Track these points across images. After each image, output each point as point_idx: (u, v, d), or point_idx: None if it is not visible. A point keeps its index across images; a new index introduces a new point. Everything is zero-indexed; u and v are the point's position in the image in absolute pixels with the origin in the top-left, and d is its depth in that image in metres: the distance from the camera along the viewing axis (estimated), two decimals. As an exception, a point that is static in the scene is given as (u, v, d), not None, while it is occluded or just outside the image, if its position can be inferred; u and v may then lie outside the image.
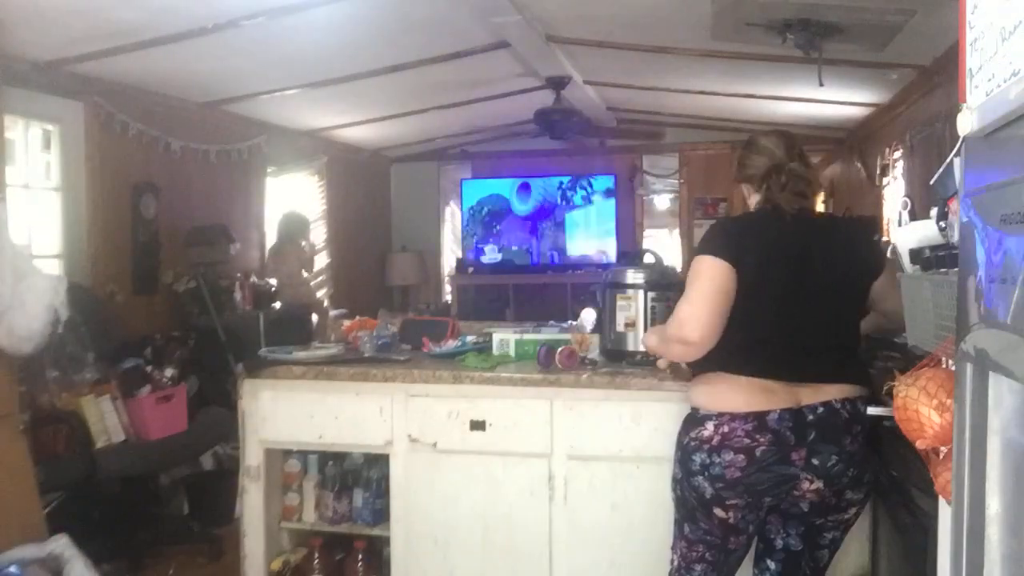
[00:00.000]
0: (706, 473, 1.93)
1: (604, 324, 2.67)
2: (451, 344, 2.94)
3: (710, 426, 1.93)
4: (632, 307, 2.58)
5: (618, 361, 2.62)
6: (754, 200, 2.11)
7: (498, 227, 7.71)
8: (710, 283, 1.92)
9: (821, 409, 1.90)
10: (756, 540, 2.12)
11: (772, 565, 2.11)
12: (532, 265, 7.60)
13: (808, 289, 1.96)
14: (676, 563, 2.09)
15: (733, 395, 1.93)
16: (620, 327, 2.61)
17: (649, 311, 2.55)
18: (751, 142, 2.12)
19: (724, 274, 1.91)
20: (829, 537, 2.05)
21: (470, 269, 7.67)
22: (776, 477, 1.90)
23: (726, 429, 1.91)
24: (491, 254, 7.71)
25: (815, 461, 1.89)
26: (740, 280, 1.91)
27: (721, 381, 1.96)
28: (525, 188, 7.68)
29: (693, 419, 2.00)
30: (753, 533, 2.05)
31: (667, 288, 2.56)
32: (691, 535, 2.04)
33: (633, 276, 2.61)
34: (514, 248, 7.69)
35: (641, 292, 2.57)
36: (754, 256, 1.94)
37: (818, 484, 1.91)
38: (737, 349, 1.94)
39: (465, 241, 7.82)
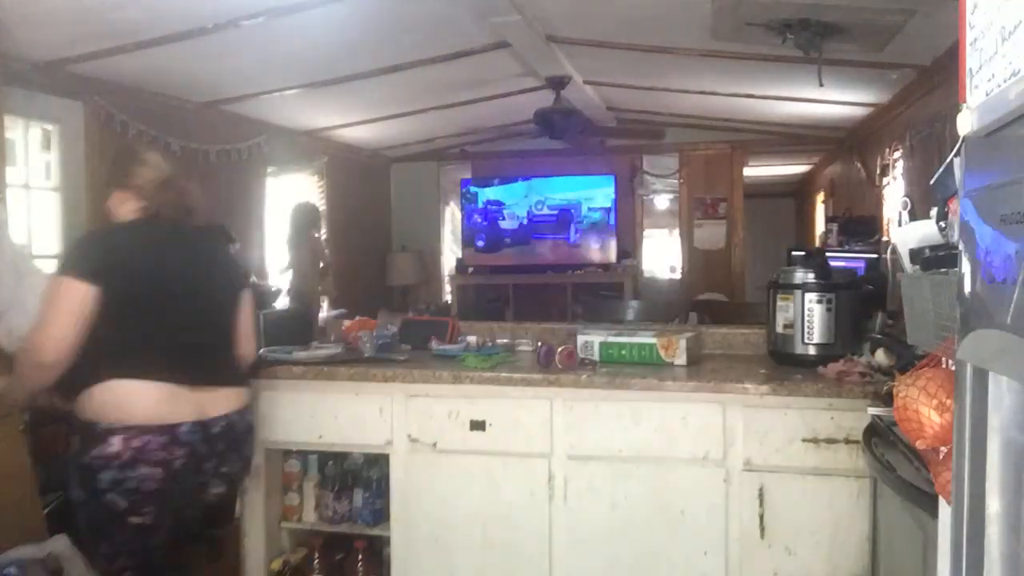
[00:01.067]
0: (118, 489, 1.95)
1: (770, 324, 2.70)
2: (453, 347, 2.95)
3: (117, 442, 1.94)
4: (791, 308, 2.58)
5: (785, 364, 2.62)
6: (130, 208, 2.17)
7: (500, 224, 7.71)
8: (65, 305, 1.96)
9: (225, 422, 2.09)
10: None
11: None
12: (532, 265, 7.59)
13: (190, 297, 2.13)
14: None
15: (140, 404, 1.97)
16: (779, 328, 2.62)
17: (806, 312, 2.57)
18: (133, 153, 2.32)
19: (81, 295, 1.96)
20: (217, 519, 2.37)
21: (470, 269, 7.67)
22: (191, 487, 2.06)
23: (138, 444, 1.94)
24: (490, 253, 7.71)
25: (224, 469, 2.12)
26: (115, 292, 1.98)
27: (121, 388, 1.98)
28: (525, 188, 7.67)
29: (93, 435, 1.97)
30: (171, 526, 2.13)
31: (828, 290, 2.56)
32: (109, 550, 2.07)
33: (797, 277, 2.63)
34: (514, 248, 7.69)
35: (800, 293, 2.58)
36: (128, 267, 2.05)
37: (221, 489, 2.17)
38: (132, 352, 2.01)
39: (465, 245, 7.82)
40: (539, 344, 2.77)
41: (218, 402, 2.10)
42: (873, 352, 2.47)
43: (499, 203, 7.70)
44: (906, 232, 2.05)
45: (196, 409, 2.04)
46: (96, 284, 1.97)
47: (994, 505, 1.03)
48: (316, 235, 5.74)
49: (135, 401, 1.98)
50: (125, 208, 2.18)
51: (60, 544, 2.76)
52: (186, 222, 2.21)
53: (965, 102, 1.12)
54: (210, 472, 2.09)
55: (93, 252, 2.10)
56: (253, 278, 5.35)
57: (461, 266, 7.72)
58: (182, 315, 2.11)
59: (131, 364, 2.00)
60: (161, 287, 2.09)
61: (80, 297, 1.96)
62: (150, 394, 1.99)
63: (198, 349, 2.12)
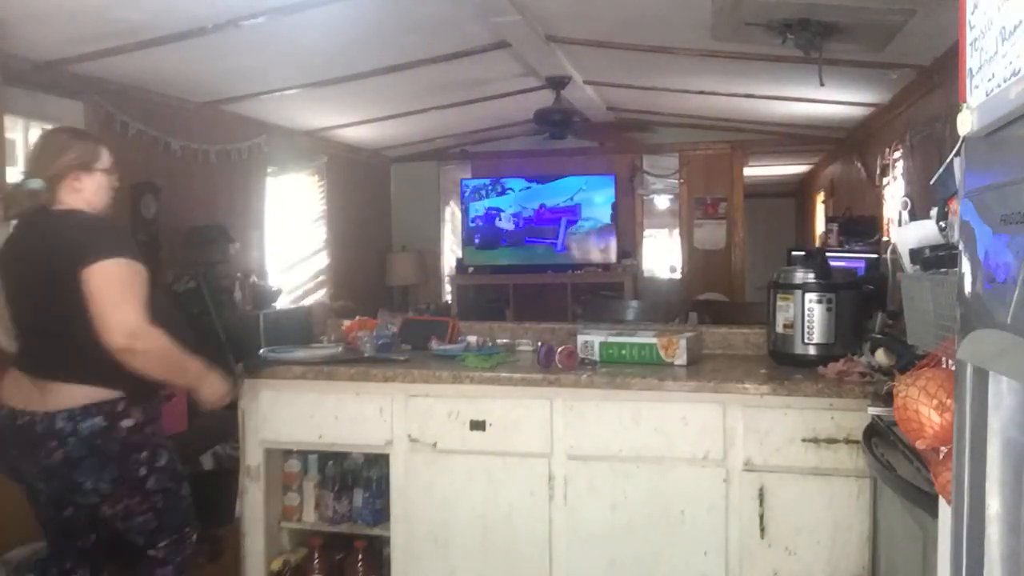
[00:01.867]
0: None
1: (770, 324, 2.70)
2: (453, 346, 2.95)
3: None
4: (791, 308, 2.58)
5: (786, 364, 2.62)
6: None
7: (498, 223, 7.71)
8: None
9: (26, 418, 2.04)
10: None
11: None
12: (532, 265, 7.59)
13: (23, 288, 2.14)
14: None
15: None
16: (779, 328, 2.62)
17: (806, 312, 2.56)
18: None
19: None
20: (123, 526, 2.28)
21: (470, 269, 7.67)
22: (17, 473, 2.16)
23: None
24: (490, 252, 7.71)
25: (23, 466, 2.13)
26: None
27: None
28: (525, 188, 7.67)
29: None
30: (56, 506, 2.25)
31: (828, 290, 2.56)
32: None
33: (797, 277, 2.62)
34: (513, 248, 7.69)
35: (800, 293, 2.57)
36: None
37: (41, 485, 2.18)
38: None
39: (465, 244, 7.81)
40: (539, 344, 2.77)
41: (48, 398, 2.04)
42: (873, 352, 2.47)
43: (499, 203, 7.70)
44: (906, 232, 2.05)
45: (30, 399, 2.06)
46: None
47: (994, 505, 1.03)
48: None
49: None
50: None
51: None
52: (45, 213, 2.16)
53: (965, 102, 1.12)
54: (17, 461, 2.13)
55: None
56: (253, 278, 5.37)
57: (461, 266, 7.72)
58: (23, 306, 2.16)
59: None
60: (12, 279, 2.17)
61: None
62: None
63: (36, 338, 2.14)
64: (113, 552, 2.40)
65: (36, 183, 2.12)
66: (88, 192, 2.19)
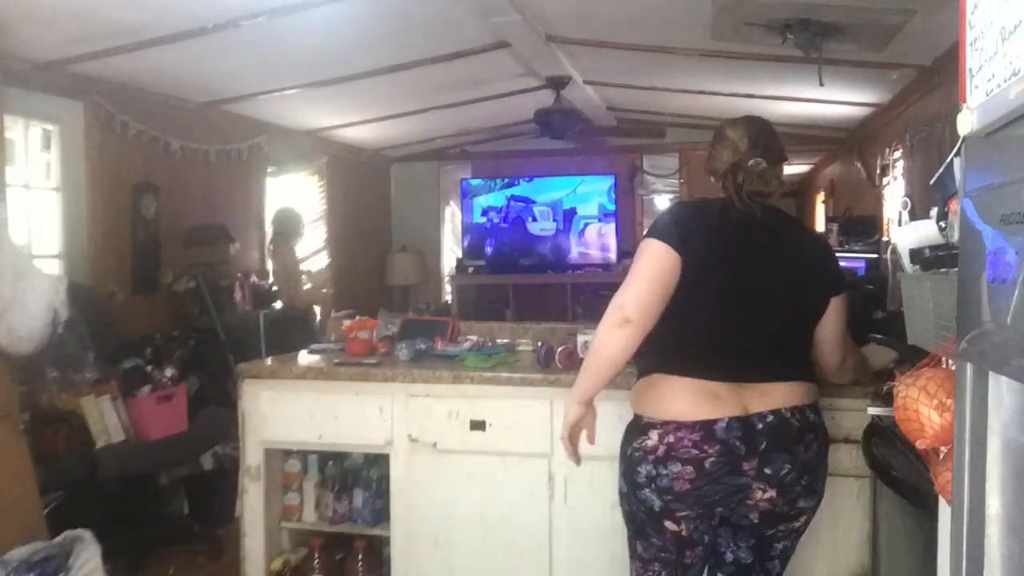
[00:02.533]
0: (653, 485, 1.84)
1: None
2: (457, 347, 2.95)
3: (654, 435, 1.84)
4: None
5: None
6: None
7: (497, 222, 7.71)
8: (656, 266, 1.83)
9: (771, 418, 1.82)
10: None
11: None
12: (532, 265, 7.59)
13: (753, 289, 1.89)
14: None
15: (678, 401, 1.84)
16: None
17: None
18: (719, 133, 2.01)
19: (668, 259, 1.83)
20: (780, 547, 1.97)
21: (470, 269, 7.67)
22: (727, 488, 1.82)
23: (672, 439, 1.82)
24: (490, 252, 7.70)
25: (767, 470, 1.81)
26: (684, 269, 1.83)
27: (663, 384, 1.87)
28: (525, 188, 7.67)
29: (636, 427, 1.92)
30: (708, 544, 1.94)
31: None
32: (644, 553, 1.94)
33: None
34: (514, 248, 7.69)
35: None
36: (699, 246, 1.85)
37: (771, 493, 1.83)
38: (678, 347, 1.87)
39: (465, 245, 7.81)
40: (539, 344, 2.77)
41: (765, 398, 1.84)
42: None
43: (499, 203, 7.70)
44: (906, 232, 2.05)
45: (738, 405, 1.82)
46: (680, 252, 1.83)
47: (994, 505, 1.03)
48: (287, 244, 5.57)
49: (675, 403, 1.85)
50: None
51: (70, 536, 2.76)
52: (765, 210, 1.93)
53: (965, 102, 1.12)
54: (750, 475, 1.82)
55: (671, 220, 1.91)
56: (253, 278, 5.37)
57: (461, 266, 7.72)
58: (741, 304, 1.90)
59: (677, 361, 1.87)
60: (737, 279, 1.89)
61: (661, 258, 1.83)
62: (689, 392, 1.84)
63: (752, 353, 1.89)
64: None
65: (764, 164, 1.93)
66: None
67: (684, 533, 1.87)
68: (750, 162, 1.90)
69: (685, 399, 1.83)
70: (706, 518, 1.88)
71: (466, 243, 7.77)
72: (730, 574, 2.01)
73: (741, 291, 1.88)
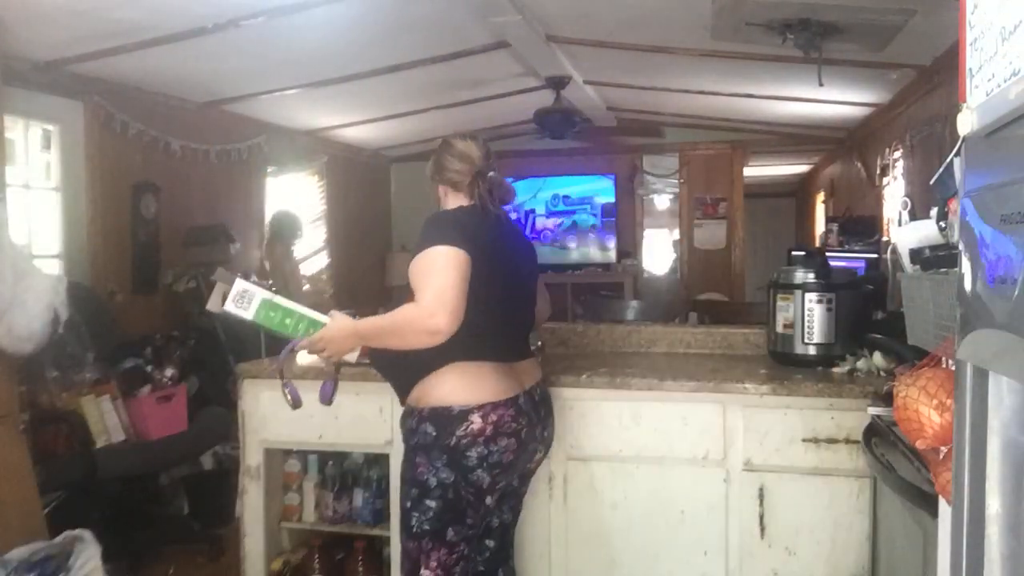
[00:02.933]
0: (484, 464, 1.97)
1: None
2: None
3: (477, 419, 1.96)
4: (791, 308, 2.58)
5: (786, 364, 2.61)
6: (453, 201, 2.17)
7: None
8: (455, 271, 1.90)
9: (539, 389, 2.15)
10: None
11: (491, 543, 2.22)
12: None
13: (513, 279, 2.18)
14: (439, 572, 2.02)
15: (489, 383, 2.00)
16: (779, 328, 2.61)
17: (806, 312, 2.56)
18: (449, 146, 2.17)
19: (464, 262, 1.92)
20: (521, 501, 2.29)
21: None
22: (528, 454, 2.10)
23: (495, 417, 1.97)
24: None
25: (546, 433, 2.16)
26: (473, 266, 1.94)
27: (469, 371, 1.99)
28: (525, 188, 7.67)
29: (448, 417, 1.97)
30: (499, 502, 2.16)
31: (828, 290, 2.55)
32: (455, 537, 2.01)
33: (797, 277, 2.61)
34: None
35: (800, 293, 2.57)
36: (480, 247, 1.98)
37: (542, 454, 2.18)
38: (475, 337, 1.97)
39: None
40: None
41: (531, 374, 2.15)
42: (871, 354, 2.47)
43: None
44: (906, 232, 2.05)
45: (518, 382, 2.08)
46: (469, 253, 1.95)
47: (994, 505, 1.03)
48: (283, 246, 5.58)
49: (487, 385, 2.01)
50: (449, 200, 2.19)
51: (75, 537, 2.76)
52: (500, 209, 2.18)
53: (965, 102, 1.12)
54: (539, 439, 2.13)
55: (453, 227, 2.01)
56: (253, 277, 5.37)
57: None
58: (512, 295, 2.17)
59: (477, 349, 2.00)
60: (499, 267, 2.09)
61: (463, 262, 1.93)
62: (495, 375, 2.02)
63: (516, 337, 2.20)
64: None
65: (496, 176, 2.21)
66: None
67: (492, 504, 2.09)
68: (490, 174, 2.15)
69: (494, 381, 2.02)
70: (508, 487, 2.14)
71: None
72: (497, 536, 2.24)
73: (509, 282, 2.15)
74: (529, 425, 2.05)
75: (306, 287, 5.64)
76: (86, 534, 2.74)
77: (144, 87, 4.43)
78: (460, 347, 1.95)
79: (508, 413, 1.99)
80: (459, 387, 1.99)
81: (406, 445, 2.07)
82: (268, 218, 5.79)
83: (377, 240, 7.82)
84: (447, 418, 1.97)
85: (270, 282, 5.25)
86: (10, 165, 3.65)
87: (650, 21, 3.86)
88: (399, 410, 2.63)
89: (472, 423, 1.96)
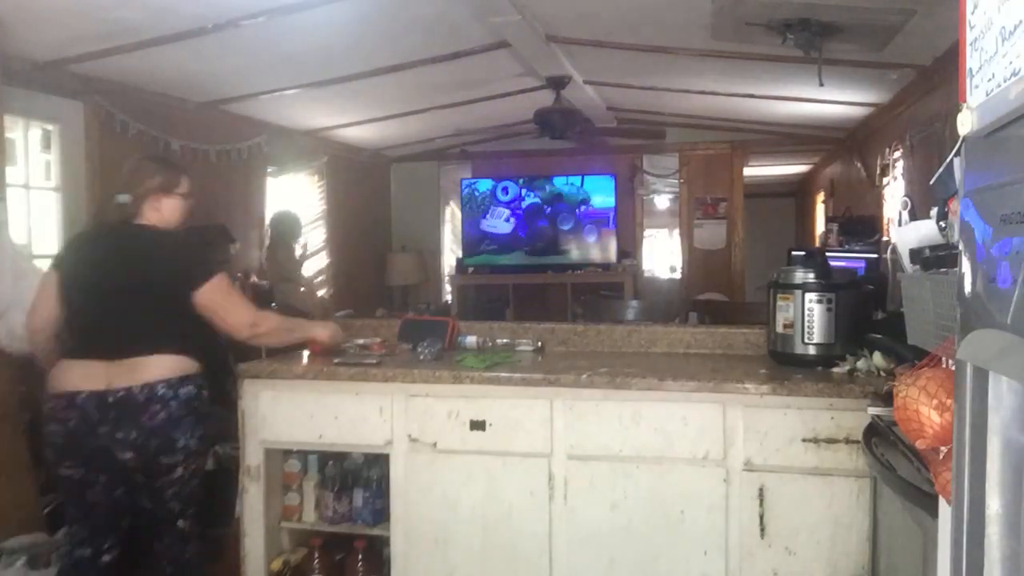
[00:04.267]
0: (49, 440, 2.44)
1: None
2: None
3: (50, 402, 2.43)
4: (791, 308, 2.58)
5: (786, 364, 2.61)
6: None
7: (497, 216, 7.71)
8: (40, 287, 2.60)
9: (122, 392, 2.36)
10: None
11: (124, 525, 2.56)
12: (532, 265, 7.59)
13: (113, 288, 2.47)
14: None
15: (59, 376, 2.43)
16: (779, 328, 2.62)
17: (806, 312, 2.56)
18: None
19: (50, 279, 2.56)
20: (171, 492, 2.49)
21: (470, 269, 7.67)
22: (91, 447, 2.39)
23: (51, 405, 2.42)
24: (490, 252, 7.70)
25: (118, 435, 2.37)
26: (61, 282, 2.52)
27: (56, 365, 2.48)
28: (525, 188, 7.67)
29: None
30: (110, 488, 2.47)
31: (828, 290, 2.55)
32: (62, 499, 2.57)
33: (797, 277, 2.61)
34: (513, 248, 7.68)
35: (800, 293, 2.57)
36: (72, 262, 2.55)
37: (128, 454, 2.39)
38: (66, 338, 2.53)
39: (465, 244, 7.81)
40: None
41: (131, 374, 2.39)
42: (871, 354, 2.47)
43: (499, 203, 7.70)
44: (906, 232, 2.06)
45: (102, 380, 2.38)
46: (57, 271, 2.57)
47: (994, 505, 1.03)
48: (294, 246, 5.58)
49: (57, 378, 2.44)
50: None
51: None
52: (128, 227, 2.56)
53: (965, 102, 1.12)
54: (105, 436, 2.37)
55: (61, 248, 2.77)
56: (253, 277, 5.37)
57: (461, 266, 7.72)
58: (95, 301, 2.50)
59: (63, 348, 2.52)
60: (84, 278, 2.53)
61: (48, 279, 2.59)
62: (65, 371, 2.44)
63: (112, 327, 2.46)
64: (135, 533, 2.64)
65: (124, 198, 2.56)
66: (166, 212, 2.61)
67: (76, 477, 2.43)
68: (118, 197, 2.57)
69: (61, 375, 2.44)
70: (92, 469, 2.43)
71: (465, 243, 7.76)
72: (146, 520, 2.55)
73: (104, 292, 2.48)
74: (83, 421, 2.36)
75: (302, 290, 5.62)
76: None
77: (144, 87, 4.43)
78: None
79: (59, 404, 2.40)
80: (51, 375, 2.49)
81: None
82: (268, 219, 5.78)
83: (377, 240, 7.81)
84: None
85: (266, 282, 5.25)
86: (10, 165, 3.65)
87: (650, 21, 3.85)
88: (399, 410, 2.64)
89: (48, 403, 2.44)
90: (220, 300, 2.54)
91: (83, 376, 2.39)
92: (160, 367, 2.42)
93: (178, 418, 2.41)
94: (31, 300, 2.61)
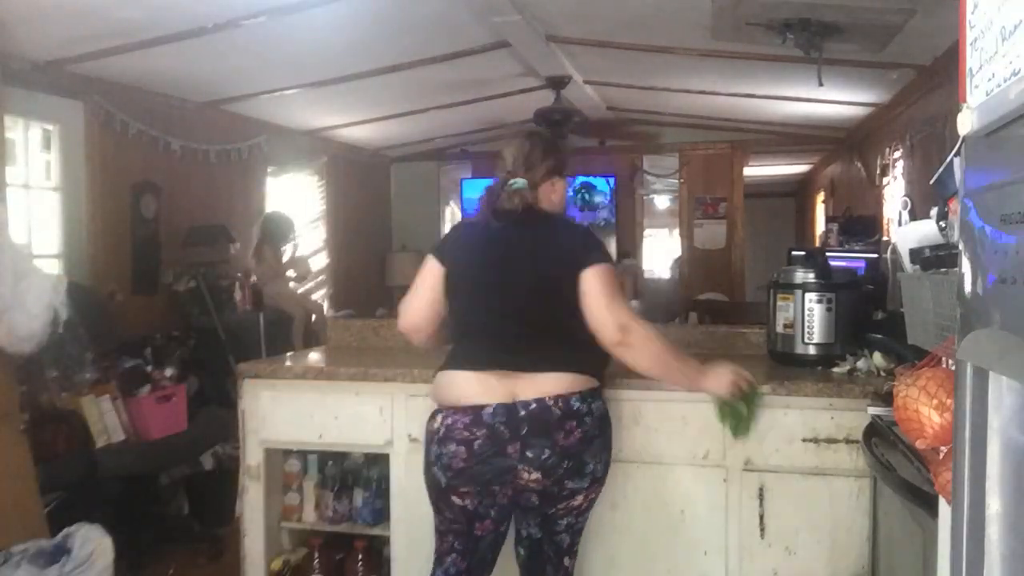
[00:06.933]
0: (439, 464, 2.08)
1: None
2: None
3: (439, 419, 2.10)
4: (791, 308, 2.58)
5: (786, 364, 2.60)
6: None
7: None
8: (420, 278, 2.25)
9: (534, 405, 2.03)
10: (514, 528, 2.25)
11: (521, 551, 2.26)
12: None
13: (512, 286, 2.14)
14: (434, 557, 2.22)
15: (454, 389, 2.10)
16: (779, 328, 2.61)
17: (806, 312, 2.55)
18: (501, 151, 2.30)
19: (430, 270, 2.22)
20: (564, 523, 2.18)
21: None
22: (496, 469, 2.04)
23: (450, 421, 2.07)
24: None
25: (529, 453, 2.03)
26: (448, 279, 2.18)
27: (443, 377, 2.15)
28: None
29: (431, 414, 2.17)
30: (499, 519, 2.15)
31: (828, 290, 2.54)
32: (440, 526, 2.17)
33: (797, 277, 2.61)
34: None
35: (800, 293, 2.56)
36: (452, 258, 2.21)
37: (536, 475, 2.04)
38: (454, 346, 2.20)
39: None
40: None
41: (534, 386, 2.06)
42: (871, 354, 2.47)
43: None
44: (906, 232, 2.06)
45: (506, 392, 2.05)
46: (443, 263, 2.20)
47: (994, 505, 1.03)
48: (284, 248, 5.57)
49: (451, 391, 2.12)
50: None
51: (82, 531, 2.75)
52: (528, 215, 2.18)
53: (965, 102, 1.12)
54: (515, 457, 2.03)
55: (444, 236, 2.38)
56: (253, 278, 5.37)
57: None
58: (489, 307, 2.17)
59: (452, 358, 2.16)
60: (469, 278, 2.19)
61: (428, 271, 2.23)
62: (461, 383, 2.10)
63: (518, 345, 2.12)
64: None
65: (520, 183, 2.20)
66: (558, 196, 2.29)
67: (470, 507, 2.10)
68: (511, 180, 2.18)
69: (455, 387, 2.10)
70: (488, 495, 2.08)
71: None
72: (527, 547, 2.24)
73: (503, 291, 2.15)
74: (490, 437, 2.02)
75: (291, 272, 5.57)
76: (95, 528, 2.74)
77: (144, 87, 4.43)
78: (448, 355, 2.18)
79: (462, 420, 2.05)
80: (436, 389, 2.17)
81: None
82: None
83: (377, 240, 7.82)
84: (430, 416, 2.16)
85: (252, 279, 5.22)
86: (10, 165, 3.66)
87: (650, 21, 3.86)
88: (399, 410, 2.64)
89: (434, 422, 2.12)
90: (602, 287, 2.11)
91: (483, 388, 2.06)
92: (569, 377, 2.08)
93: (591, 438, 2.08)
94: (412, 295, 2.25)
